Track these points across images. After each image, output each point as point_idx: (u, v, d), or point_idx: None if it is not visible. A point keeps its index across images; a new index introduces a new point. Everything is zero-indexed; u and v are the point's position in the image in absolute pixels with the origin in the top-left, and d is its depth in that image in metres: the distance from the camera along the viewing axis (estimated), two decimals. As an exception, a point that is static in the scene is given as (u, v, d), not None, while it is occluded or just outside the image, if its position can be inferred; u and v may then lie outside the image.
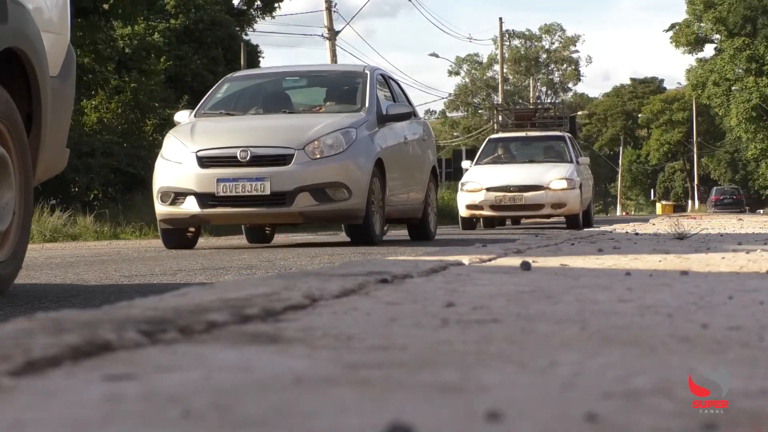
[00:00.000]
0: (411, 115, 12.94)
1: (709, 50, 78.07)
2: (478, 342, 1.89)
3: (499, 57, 56.73)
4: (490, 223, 22.63)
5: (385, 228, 15.43)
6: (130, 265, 7.76)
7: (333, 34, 33.94)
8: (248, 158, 10.87)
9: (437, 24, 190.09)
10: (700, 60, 76.83)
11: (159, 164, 11.26)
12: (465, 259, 4.30)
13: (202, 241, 13.78)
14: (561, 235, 8.95)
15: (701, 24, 74.48)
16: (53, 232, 16.37)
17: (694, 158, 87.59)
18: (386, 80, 13.31)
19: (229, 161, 10.91)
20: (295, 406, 1.31)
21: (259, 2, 37.09)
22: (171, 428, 1.20)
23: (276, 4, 38.21)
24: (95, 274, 6.71)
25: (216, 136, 11.22)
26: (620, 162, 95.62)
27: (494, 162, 21.14)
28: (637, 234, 9.08)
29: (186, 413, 1.26)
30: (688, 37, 75.74)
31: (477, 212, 20.04)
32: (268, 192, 10.85)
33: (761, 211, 70.16)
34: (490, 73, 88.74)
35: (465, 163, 22.09)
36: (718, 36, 74.01)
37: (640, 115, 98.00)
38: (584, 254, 5.20)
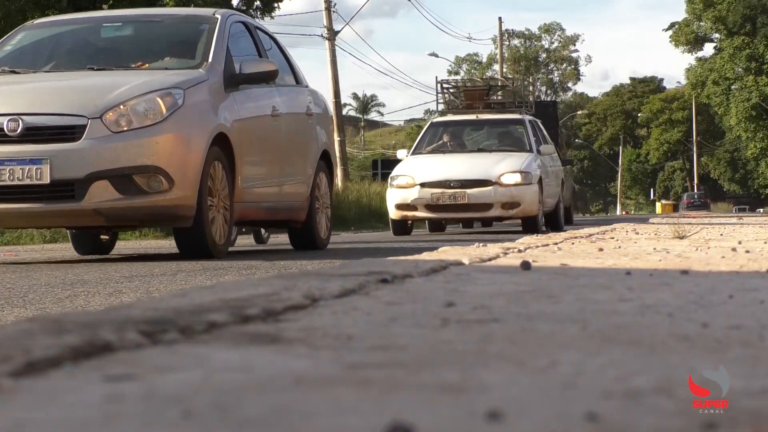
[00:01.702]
0: (275, 74, 9.18)
1: (708, 49, 78.21)
2: (478, 342, 1.89)
3: (498, 57, 56.73)
4: (438, 226, 18.86)
5: (265, 234, 13.05)
6: (130, 265, 7.75)
7: (332, 34, 33.93)
8: (19, 131, 7.77)
9: (437, 24, 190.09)
10: (699, 59, 76.90)
11: None
12: (465, 259, 4.31)
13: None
14: (560, 234, 8.95)
15: (701, 23, 74.54)
16: (53, 232, 16.37)
17: (694, 157, 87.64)
18: (251, 31, 9.81)
19: None
20: (296, 406, 1.31)
21: (258, 2, 37.09)
22: (171, 428, 1.20)
23: (275, 4, 38.20)
24: (95, 274, 6.71)
25: None
26: (620, 161, 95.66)
27: (436, 151, 17.39)
28: (637, 233, 9.08)
29: (186, 413, 1.26)
30: (687, 37, 75.80)
31: (409, 213, 16.09)
32: (47, 180, 7.75)
33: (761, 210, 70.24)
34: (489, 73, 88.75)
35: (401, 153, 18.49)
36: (717, 35, 74.07)
37: (639, 115, 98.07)
38: (584, 254, 5.20)
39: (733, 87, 72.16)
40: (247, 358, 1.67)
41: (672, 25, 77.60)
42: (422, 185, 15.80)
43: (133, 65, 8.95)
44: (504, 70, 59.24)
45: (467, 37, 71.71)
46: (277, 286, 2.73)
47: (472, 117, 18.74)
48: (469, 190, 15.66)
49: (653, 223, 15.24)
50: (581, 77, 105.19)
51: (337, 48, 34.56)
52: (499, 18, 56.07)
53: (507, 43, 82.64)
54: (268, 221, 10.15)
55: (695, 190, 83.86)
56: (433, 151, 17.32)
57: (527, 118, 18.25)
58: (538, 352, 1.77)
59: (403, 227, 16.47)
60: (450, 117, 18.89)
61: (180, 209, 7.99)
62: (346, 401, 1.34)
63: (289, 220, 9.96)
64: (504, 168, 15.92)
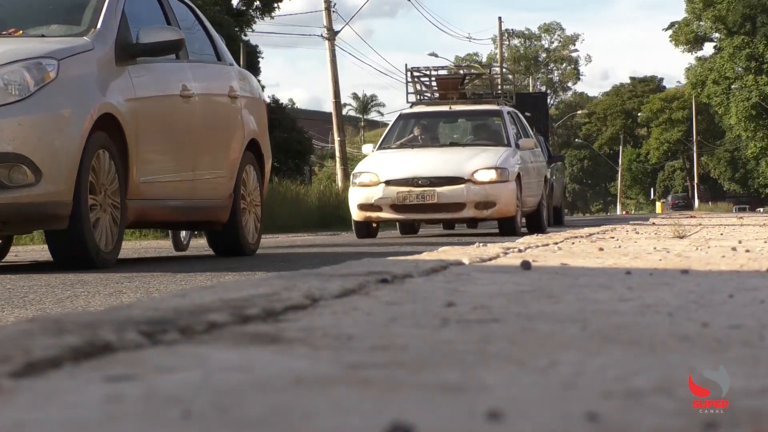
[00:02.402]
0: (180, 44, 7.65)
1: (708, 49, 78.27)
2: (478, 342, 1.89)
3: (498, 56, 56.74)
4: (410, 227, 16.93)
5: (184, 238, 10.69)
6: (130, 265, 7.75)
7: (332, 34, 33.94)
8: None
9: (436, 24, 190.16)
10: (699, 59, 76.93)
11: None
12: (465, 259, 4.30)
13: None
14: (560, 234, 8.95)
15: (701, 23, 74.58)
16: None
17: (694, 157, 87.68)
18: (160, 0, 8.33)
19: None
20: (296, 406, 1.31)
21: (258, 2, 37.11)
22: (171, 429, 1.20)
23: (275, 5, 38.25)
24: (95, 274, 6.71)
25: None
26: (620, 161, 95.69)
27: (405, 146, 15.85)
28: (637, 233, 9.08)
29: (186, 413, 1.26)
30: (687, 36, 75.83)
31: (373, 214, 14.51)
32: None
33: (761, 209, 70.30)
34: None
35: (366, 148, 16.44)
36: (717, 35, 74.10)
37: (639, 114, 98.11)
38: (585, 253, 5.20)
39: (733, 86, 72.18)
40: (247, 358, 1.67)
41: (672, 25, 77.62)
42: (387, 183, 14.34)
43: (4, 32, 7.35)
44: (504, 69, 59.22)
45: (467, 37, 71.77)
46: (277, 286, 2.73)
47: (445, 108, 16.92)
48: (438, 189, 14.18)
49: (653, 223, 15.24)
50: (581, 77, 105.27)
51: (337, 48, 34.58)
52: (499, 18, 56.10)
53: (507, 42, 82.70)
54: (178, 222, 8.64)
55: (695, 190, 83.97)
56: (401, 146, 15.79)
57: (506, 109, 16.60)
58: (538, 351, 1.77)
59: (367, 230, 14.84)
60: (421, 108, 17.06)
61: (51, 207, 6.58)
62: (346, 401, 1.34)
63: (207, 221, 8.56)
64: (478, 164, 14.46)
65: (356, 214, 14.66)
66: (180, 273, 6.70)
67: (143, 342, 1.80)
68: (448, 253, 4.94)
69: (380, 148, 15.86)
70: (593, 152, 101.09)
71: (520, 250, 5.28)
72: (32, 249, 13.07)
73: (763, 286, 3.04)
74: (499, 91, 18.50)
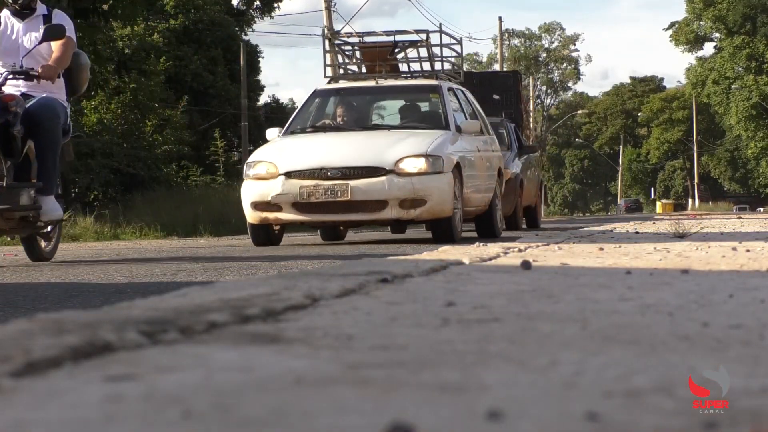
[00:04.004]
0: None
1: (708, 49, 78.21)
2: (478, 341, 1.89)
3: (498, 56, 56.74)
4: (333, 232, 13.84)
5: (47, 245, 8.79)
6: (130, 265, 7.76)
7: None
8: None
9: (436, 23, 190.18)
10: (699, 58, 76.93)
11: None
12: (465, 259, 4.30)
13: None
14: (560, 234, 8.94)
15: (701, 22, 74.57)
16: (53, 232, 16.36)
17: (694, 157, 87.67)
18: None
19: None
20: (296, 406, 1.31)
21: (258, 2, 37.11)
22: (172, 428, 1.20)
23: (275, 4, 38.23)
24: (95, 274, 6.71)
25: None
26: (620, 161, 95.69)
27: (318, 129, 12.67)
28: (637, 233, 9.08)
29: (186, 413, 1.26)
30: (687, 36, 75.82)
31: (271, 215, 11.37)
32: None
33: (761, 209, 70.36)
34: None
35: (270, 132, 12.89)
36: (717, 34, 74.09)
37: (639, 114, 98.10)
38: (585, 253, 5.20)
39: (733, 86, 72.19)
40: (247, 358, 1.67)
41: (672, 25, 77.62)
42: (288, 175, 11.30)
43: None
44: (504, 69, 59.23)
45: (467, 37, 71.67)
46: (277, 286, 2.73)
47: (371, 83, 13.67)
48: (353, 182, 11.18)
49: (653, 222, 15.23)
50: (581, 77, 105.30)
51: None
52: (499, 17, 56.11)
53: (507, 42, 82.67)
54: None
55: (695, 190, 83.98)
56: (314, 130, 12.68)
57: (446, 84, 13.33)
58: (538, 351, 1.77)
59: (266, 235, 11.80)
60: (341, 84, 13.86)
61: None
62: (347, 401, 1.34)
63: None
64: (404, 150, 11.44)
65: (250, 215, 11.59)
66: (180, 273, 6.70)
67: (143, 342, 1.80)
68: (448, 252, 4.95)
69: (287, 132, 12.65)
70: (593, 152, 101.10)
71: (520, 250, 5.28)
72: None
73: (763, 286, 3.04)
74: (443, 64, 14.79)
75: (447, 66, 14.93)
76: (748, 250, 5.28)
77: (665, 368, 1.60)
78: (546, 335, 1.97)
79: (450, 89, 13.32)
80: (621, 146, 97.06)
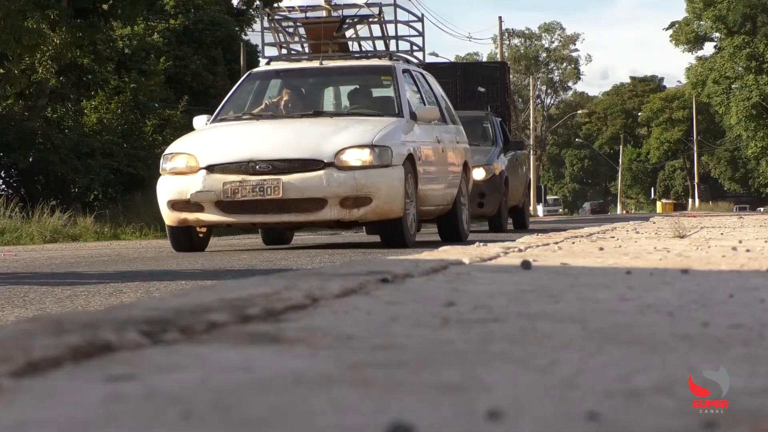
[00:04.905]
0: None
1: (708, 48, 78.19)
2: (479, 341, 1.89)
3: (498, 56, 56.73)
4: (275, 235, 12.19)
5: None
6: (131, 265, 7.75)
7: (332, 34, 33.85)
8: None
9: (436, 23, 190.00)
10: (699, 58, 76.91)
11: None
12: (465, 259, 4.30)
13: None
14: (560, 234, 8.94)
15: (701, 22, 74.56)
16: (53, 232, 16.38)
17: (695, 156, 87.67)
18: None
19: None
20: (296, 406, 1.31)
21: (258, 2, 37.07)
22: (172, 428, 1.20)
23: (275, 4, 38.17)
24: (95, 274, 6.71)
25: None
26: (620, 160, 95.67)
27: (250, 117, 11.08)
28: (637, 233, 9.08)
29: (187, 413, 1.26)
30: (687, 36, 75.81)
31: (191, 216, 9.88)
32: None
33: (761, 209, 70.37)
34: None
35: (198, 120, 11.21)
36: (717, 34, 74.09)
37: (640, 114, 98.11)
38: (585, 253, 5.20)
39: (733, 86, 72.18)
40: (248, 358, 1.67)
41: (672, 24, 77.60)
42: (210, 169, 9.82)
43: None
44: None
45: (467, 37, 71.82)
46: (277, 286, 2.73)
47: (314, 65, 11.92)
48: (286, 177, 9.67)
49: (654, 222, 15.20)
50: (581, 76, 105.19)
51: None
52: (500, 17, 56.12)
53: (507, 42, 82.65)
54: None
55: (695, 189, 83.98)
56: (246, 117, 11.13)
57: (401, 66, 11.65)
58: (538, 351, 1.77)
59: (187, 239, 10.25)
60: (279, 65, 12.06)
61: None
62: (347, 401, 1.34)
63: None
64: (346, 140, 9.90)
65: (167, 216, 10.08)
66: (180, 273, 6.70)
67: (143, 342, 1.80)
68: (448, 252, 4.94)
69: (215, 120, 11.09)
70: (593, 152, 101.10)
71: (520, 250, 5.28)
72: (32, 249, 13.07)
73: (763, 286, 3.04)
74: (398, 44, 12.74)
75: (405, 46, 12.95)
76: (748, 250, 5.28)
77: (665, 368, 1.60)
78: (546, 335, 1.97)
79: (406, 71, 11.70)
80: (621, 146, 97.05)
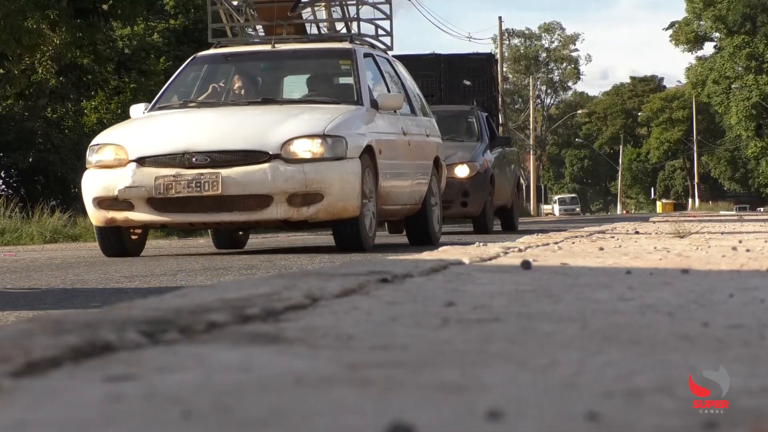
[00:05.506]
0: None
1: (708, 48, 78.21)
2: (478, 341, 1.89)
3: (498, 56, 56.71)
4: (227, 238, 10.93)
5: None
6: (131, 265, 7.75)
7: (332, 34, 33.83)
8: None
9: (436, 23, 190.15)
10: (699, 58, 76.95)
11: None
12: (465, 259, 4.30)
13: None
14: (560, 233, 8.94)
15: (701, 22, 74.59)
16: (53, 233, 16.38)
17: (695, 156, 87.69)
18: None
19: None
20: (296, 406, 1.31)
21: (258, 2, 37.03)
22: (172, 428, 1.20)
23: (275, 4, 38.12)
24: (96, 274, 6.71)
25: None
26: (620, 160, 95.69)
27: (192, 105, 10.02)
28: (637, 232, 9.08)
29: (187, 413, 1.26)
30: (687, 36, 75.83)
31: (119, 215, 8.87)
32: None
33: (762, 209, 70.36)
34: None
35: (135, 109, 10.26)
36: (717, 34, 74.12)
37: (640, 114, 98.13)
38: (585, 253, 5.20)
39: (733, 86, 72.21)
40: (247, 358, 1.67)
41: (672, 24, 77.61)
42: (140, 162, 8.81)
43: None
44: (504, 69, 59.16)
45: (467, 37, 71.74)
46: (277, 286, 2.73)
47: (266, 48, 10.74)
48: (226, 171, 8.66)
49: (654, 222, 15.19)
50: (581, 76, 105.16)
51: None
52: (499, 17, 56.13)
53: (507, 42, 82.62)
54: None
55: (695, 189, 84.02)
56: (187, 105, 10.04)
57: (362, 49, 10.54)
58: (538, 351, 1.77)
59: (117, 241, 9.19)
60: (227, 48, 10.91)
61: None
62: (347, 401, 1.34)
63: None
64: (295, 129, 8.87)
65: (93, 215, 9.05)
66: (180, 273, 6.70)
67: (143, 342, 1.80)
68: (448, 252, 4.94)
69: (154, 108, 10.04)
70: (593, 152, 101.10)
71: (520, 250, 5.28)
72: (32, 249, 13.07)
73: (763, 286, 3.04)
74: (360, 26, 11.42)
75: (370, 30, 11.73)
76: (748, 250, 5.28)
77: (665, 368, 1.60)
78: (546, 335, 1.97)
79: (369, 56, 10.57)
80: (621, 146, 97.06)
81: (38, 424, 1.22)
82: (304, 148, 8.76)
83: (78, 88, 25.37)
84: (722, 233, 8.66)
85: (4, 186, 23.62)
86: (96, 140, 9.24)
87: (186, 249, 10.79)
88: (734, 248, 5.47)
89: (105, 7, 22.34)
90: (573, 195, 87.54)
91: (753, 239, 6.98)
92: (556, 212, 73.66)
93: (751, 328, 2.07)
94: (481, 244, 5.90)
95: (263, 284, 2.81)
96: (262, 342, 1.85)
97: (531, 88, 75.41)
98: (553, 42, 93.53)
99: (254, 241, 13.02)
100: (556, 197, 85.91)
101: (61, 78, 24.28)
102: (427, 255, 4.76)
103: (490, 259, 4.48)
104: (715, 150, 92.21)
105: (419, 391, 1.40)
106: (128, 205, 8.82)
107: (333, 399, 1.35)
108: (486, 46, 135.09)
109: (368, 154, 9.20)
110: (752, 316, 2.27)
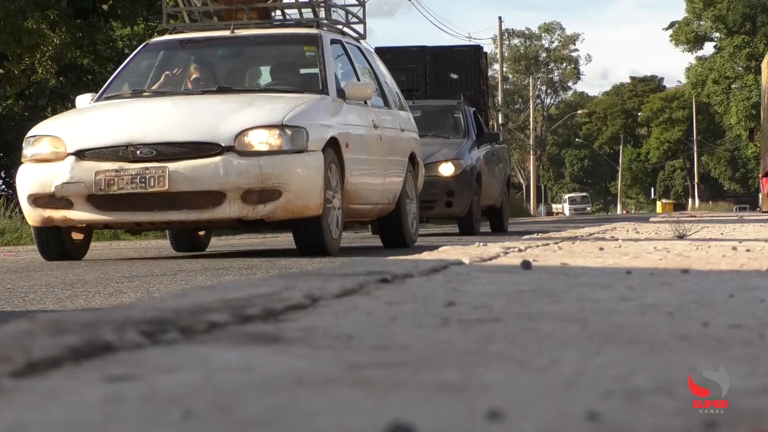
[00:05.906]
0: None
1: (708, 48, 78.21)
2: (478, 341, 1.89)
3: (498, 56, 56.74)
4: (187, 240, 10.33)
5: None
6: (131, 265, 7.75)
7: (332, 34, 33.79)
8: None
9: (436, 23, 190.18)
10: (699, 58, 76.95)
11: None
12: (465, 259, 4.30)
13: None
14: (560, 233, 8.94)
15: (701, 22, 74.60)
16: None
17: (694, 156, 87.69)
18: None
19: None
20: (296, 406, 1.31)
21: (258, 2, 37.03)
22: (172, 429, 1.20)
23: (275, 4, 38.13)
24: (95, 274, 6.71)
25: None
26: (620, 160, 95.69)
27: (139, 95, 9.31)
28: (637, 232, 9.08)
29: (187, 414, 1.26)
30: (687, 36, 75.83)
31: (57, 214, 8.19)
32: None
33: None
34: (489, 72, 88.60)
35: (81, 99, 9.52)
36: (717, 34, 74.13)
37: (640, 114, 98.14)
38: (585, 253, 5.20)
39: (733, 86, 72.21)
40: (248, 358, 1.67)
41: (672, 24, 77.60)
42: (80, 155, 8.11)
43: None
44: (504, 69, 59.19)
45: (467, 37, 71.50)
46: (277, 286, 2.73)
47: (225, 33, 9.93)
48: (173, 165, 7.94)
49: (654, 222, 15.18)
50: (581, 76, 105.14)
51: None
52: (499, 17, 56.17)
53: (507, 42, 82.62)
54: None
55: (695, 189, 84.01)
56: (145, 95, 9.31)
57: (329, 35, 9.79)
58: (538, 351, 1.77)
59: (57, 243, 8.50)
60: (181, 34, 10.11)
61: None
62: (347, 401, 1.34)
63: None
64: (250, 119, 8.15)
65: (29, 214, 8.40)
66: (180, 273, 6.70)
67: (143, 342, 1.80)
68: (448, 252, 4.95)
69: (101, 98, 9.30)
70: (593, 152, 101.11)
71: (520, 250, 5.28)
72: (32, 249, 13.06)
73: (763, 286, 3.04)
74: (329, 12, 10.46)
75: (339, 15, 10.97)
76: (748, 250, 5.28)
77: (665, 368, 1.60)
78: (546, 335, 1.97)
79: (336, 42, 9.81)
80: (621, 146, 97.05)
81: (38, 424, 1.22)
82: (260, 140, 8.03)
83: (78, 88, 25.36)
84: (722, 233, 8.66)
85: (4, 186, 23.58)
86: (32, 131, 8.57)
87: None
88: (734, 248, 5.47)
89: (105, 7, 22.35)
90: (584, 194, 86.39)
91: (753, 239, 6.98)
92: (566, 211, 73.47)
93: (751, 328, 2.07)
94: (481, 244, 5.90)
95: (263, 284, 2.81)
96: (262, 342, 1.85)
97: (531, 88, 75.40)
98: (553, 42, 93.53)
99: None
100: (567, 196, 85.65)
101: (61, 78, 24.27)
102: (427, 255, 4.76)
103: (490, 259, 4.48)
104: (715, 150, 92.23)
105: (419, 391, 1.40)
106: (66, 203, 8.15)
107: (333, 399, 1.35)
108: (486, 46, 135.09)
109: (333, 147, 8.49)
110: (752, 316, 2.27)
